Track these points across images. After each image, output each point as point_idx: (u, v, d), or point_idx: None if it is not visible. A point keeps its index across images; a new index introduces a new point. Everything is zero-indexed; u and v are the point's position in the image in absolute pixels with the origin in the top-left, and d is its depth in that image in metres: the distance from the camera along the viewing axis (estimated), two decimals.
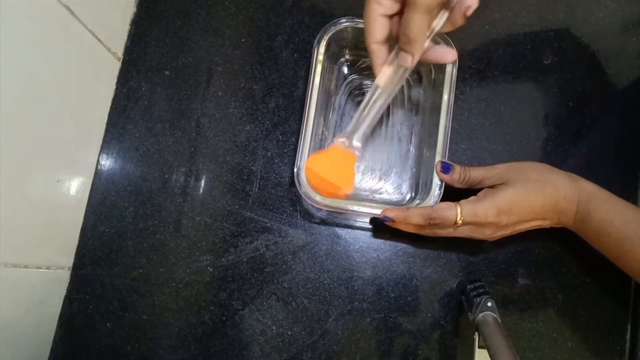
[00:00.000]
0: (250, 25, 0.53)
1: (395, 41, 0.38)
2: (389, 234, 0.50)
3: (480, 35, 0.53)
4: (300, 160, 0.45)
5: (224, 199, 0.50)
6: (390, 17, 0.38)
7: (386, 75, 0.39)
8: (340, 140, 0.40)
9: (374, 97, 0.39)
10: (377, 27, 0.37)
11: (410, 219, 0.43)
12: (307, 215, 0.50)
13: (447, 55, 0.40)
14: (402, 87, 0.52)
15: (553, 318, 0.49)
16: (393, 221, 0.44)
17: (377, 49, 0.39)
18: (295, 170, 0.45)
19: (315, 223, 0.50)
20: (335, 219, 0.50)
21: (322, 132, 0.50)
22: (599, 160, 0.51)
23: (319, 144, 0.50)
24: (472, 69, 0.52)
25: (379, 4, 0.36)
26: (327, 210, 0.49)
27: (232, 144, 0.51)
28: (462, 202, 0.42)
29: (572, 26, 0.53)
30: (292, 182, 0.50)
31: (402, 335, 0.48)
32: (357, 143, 0.40)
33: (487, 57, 0.52)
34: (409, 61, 0.37)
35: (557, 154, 0.51)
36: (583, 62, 0.52)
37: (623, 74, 0.52)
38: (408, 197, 0.50)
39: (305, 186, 0.44)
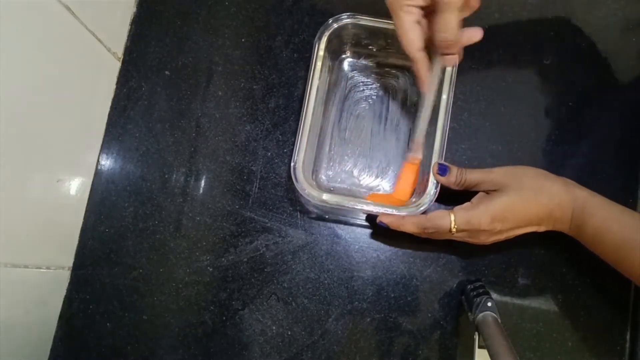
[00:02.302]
0: (250, 25, 0.53)
1: (431, 45, 0.40)
2: (389, 233, 0.50)
3: None
4: (297, 154, 0.45)
5: (224, 199, 0.50)
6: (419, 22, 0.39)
7: (433, 84, 0.43)
8: (413, 157, 0.47)
9: (425, 105, 0.44)
10: (416, 36, 0.39)
11: (405, 227, 0.43)
12: (307, 215, 0.50)
13: (475, 35, 0.41)
14: (400, 86, 0.52)
15: (553, 318, 0.49)
16: (389, 227, 0.44)
17: (422, 57, 0.41)
18: (292, 164, 0.44)
19: (315, 223, 0.50)
20: (331, 215, 0.50)
21: (321, 126, 0.51)
22: (599, 160, 0.51)
23: (317, 139, 0.50)
24: (472, 69, 0.52)
25: (409, 13, 0.38)
26: (322, 206, 0.48)
27: (232, 144, 0.51)
28: (456, 209, 0.43)
29: (572, 26, 0.53)
30: (289, 176, 0.50)
31: (402, 335, 0.48)
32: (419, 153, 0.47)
33: (487, 57, 0.52)
34: (456, 60, 0.40)
35: (557, 154, 0.51)
36: (583, 62, 0.52)
37: (623, 74, 0.52)
38: None
39: (301, 182, 0.44)
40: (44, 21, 0.41)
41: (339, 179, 0.51)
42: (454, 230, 0.42)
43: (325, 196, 0.44)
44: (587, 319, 0.48)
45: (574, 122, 0.51)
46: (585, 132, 0.51)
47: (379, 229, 0.49)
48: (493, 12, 0.53)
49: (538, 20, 0.53)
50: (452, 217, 0.42)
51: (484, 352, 0.40)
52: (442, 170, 0.44)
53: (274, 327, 0.49)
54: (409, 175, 0.47)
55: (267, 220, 0.50)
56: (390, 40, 0.49)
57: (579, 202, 0.41)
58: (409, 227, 0.43)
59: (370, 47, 0.51)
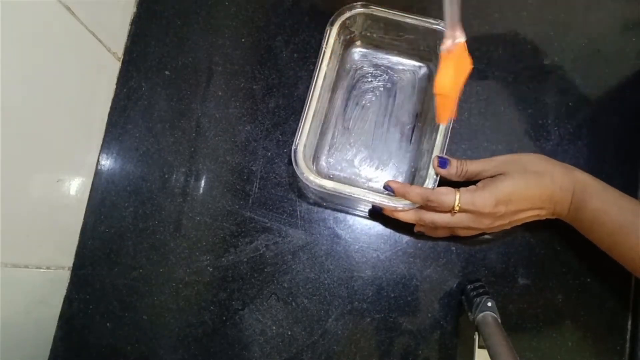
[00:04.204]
0: (250, 25, 0.53)
1: None
2: (389, 233, 0.50)
3: (480, 35, 0.53)
4: (299, 138, 0.44)
5: (224, 199, 0.50)
6: None
7: None
8: (448, 44, 0.38)
9: None
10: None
11: (409, 195, 0.44)
12: (307, 215, 0.50)
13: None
14: (408, 80, 0.52)
15: (553, 318, 0.48)
16: (394, 192, 0.44)
17: None
18: (293, 148, 0.44)
19: (315, 223, 0.50)
20: (329, 203, 0.50)
21: (326, 113, 0.51)
22: (599, 160, 0.51)
23: (321, 125, 0.50)
24: (472, 69, 0.52)
25: None
26: (319, 192, 0.48)
27: (232, 144, 0.51)
28: (462, 189, 0.43)
29: (572, 26, 0.53)
30: (289, 175, 0.50)
31: (402, 335, 0.48)
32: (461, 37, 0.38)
33: (487, 57, 0.52)
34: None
35: (557, 154, 0.51)
36: (583, 62, 0.52)
37: (623, 74, 0.52)
38: None
39: (301, 166, 0.44)
40: (44, 21, 0.41)
41: (339, 167, 0.51)
42: (457, 208, 0.42)
43: (324, 182, 0.44)
44: (587, 319, 0.48)
45: (574, 122, 0.51)
46: (585, 132, 0.51)
47: (379, 218, 0.49)
48: (493, 12, 0.53)
49: (538, 20, 0.53)
50: (457, 196, 0.42)
51: (484, 352, 0.40)
52: (442, 163, 0.44)
53: (274, 327, 0.49)
54: (447, 64, 0.39)
55: (267, 220, 0.50)
56: (402, 34, 0.49)
57: (580, 185, 0.42)
58: (414, 196, 0.43)
59: (382, 38, 0.51)
